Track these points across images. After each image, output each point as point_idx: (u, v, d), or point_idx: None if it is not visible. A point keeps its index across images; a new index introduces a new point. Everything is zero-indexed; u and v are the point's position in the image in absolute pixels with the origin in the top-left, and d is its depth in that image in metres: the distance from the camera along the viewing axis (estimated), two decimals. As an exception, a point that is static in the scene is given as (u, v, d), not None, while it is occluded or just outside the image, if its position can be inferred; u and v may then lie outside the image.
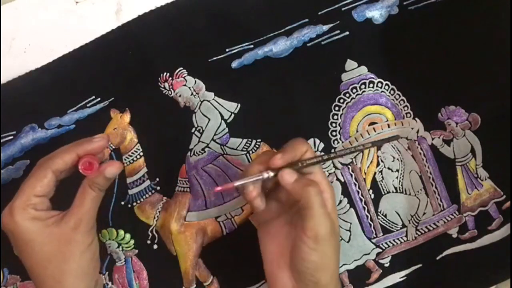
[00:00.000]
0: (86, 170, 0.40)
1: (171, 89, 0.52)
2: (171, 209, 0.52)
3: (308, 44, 0.52)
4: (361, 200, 0.52)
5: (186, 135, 0.52)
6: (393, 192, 0.52)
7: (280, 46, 0.52)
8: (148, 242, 0.52)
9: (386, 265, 0.51)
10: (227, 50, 0.52)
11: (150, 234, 0.52)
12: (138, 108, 0.52)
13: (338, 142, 0.52)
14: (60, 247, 0.39)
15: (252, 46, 0.52)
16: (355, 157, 0.52)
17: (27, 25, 0.53)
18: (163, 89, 0.52)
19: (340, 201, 0.52)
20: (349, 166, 0.52)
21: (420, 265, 0.51)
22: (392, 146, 0.52)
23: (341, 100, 0.52)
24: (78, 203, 0.40)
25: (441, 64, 0.52)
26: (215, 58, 0.52)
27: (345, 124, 0.52)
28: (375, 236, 0.52)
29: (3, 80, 0.52)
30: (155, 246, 0.52)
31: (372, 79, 0.52)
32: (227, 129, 0.52)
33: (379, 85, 0.52)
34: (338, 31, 0.52)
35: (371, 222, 0.52)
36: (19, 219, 0.38)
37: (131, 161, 0.52)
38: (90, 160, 0.40)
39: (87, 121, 0.52)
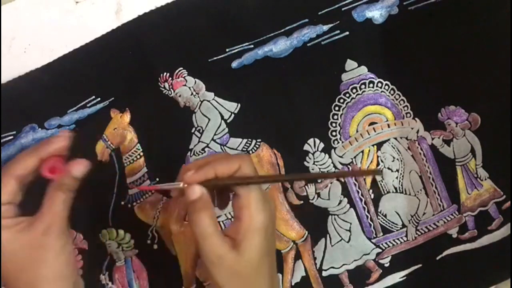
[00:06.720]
0: (51, 173, 0.39)
1: (171, 89, 0.52)
2: (171, 209, 0.51)
3: (308, 44, 0.52)
4: (361, 200, 0.52)
5: (186, 135, 0.52)
6: (393, 192, 0.52)
7: (280, 46, 0.52)
8: (148, 242, 0.52)
9: (386, 265, 0.51)
10: (227, 50, 0.52)
11: (150, 234, 0.52)
12: (138, 108, 0.52)
13: (338, 142, 0.52)
14: (32, 253, 0.38)
15: (252, 46, 0.52)
16: (355, 157, 0.52)
17: (27, 25, 0.53)
18: (163, 89, 0.52)
19: (340, 201, 0.52)
20: (349, 166, 0.52)
21: (420, 265, 0.51)
22: (392, 146, 0.52)
23: (341, 100, 0.52)
24: (48, 207, 0.38)
25: (441, 64, 0.52)
26: (215, 58, 0.52)
27: (345, 124, 0.52)
28: (375, 236, 0.52)
29: (3, 80, 0.52)
30: (155, 246, 0.52)
31: (372, 79, 0.52)
32: (227, 129, 0.52)
33: (379, 85, 0.52)
34: (338, 31, 0.52)
35: (371, 222, 0.52)
36: None
37: (131, 161, 0.52)
38: (53, 164, 0.39)
39: (87, 121, 0.52)
